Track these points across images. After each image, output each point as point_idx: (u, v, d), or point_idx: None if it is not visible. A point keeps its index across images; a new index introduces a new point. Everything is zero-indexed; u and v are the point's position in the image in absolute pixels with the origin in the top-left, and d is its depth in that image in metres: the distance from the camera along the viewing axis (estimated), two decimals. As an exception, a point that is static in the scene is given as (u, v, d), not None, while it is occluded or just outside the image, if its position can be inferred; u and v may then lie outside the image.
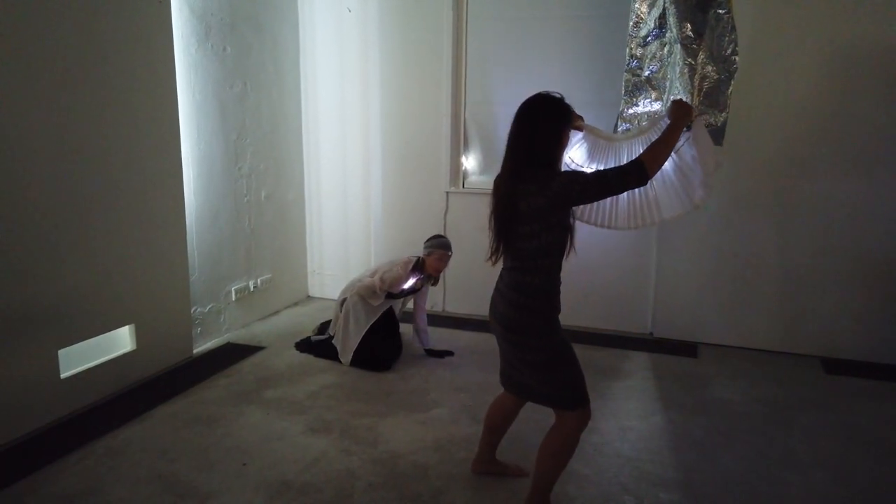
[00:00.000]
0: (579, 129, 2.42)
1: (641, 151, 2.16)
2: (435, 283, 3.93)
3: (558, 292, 2.14)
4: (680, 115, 2.11)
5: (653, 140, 2.19)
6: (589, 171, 2.43)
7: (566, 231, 2.07)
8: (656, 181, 2.27)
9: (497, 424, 2.51)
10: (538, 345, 2.11)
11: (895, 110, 3.69)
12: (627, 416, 3.13)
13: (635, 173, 1.97)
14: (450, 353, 3.94)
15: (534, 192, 1.99)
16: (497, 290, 2.23)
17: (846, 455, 2.81)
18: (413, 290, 3.84)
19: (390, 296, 3.78)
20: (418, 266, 3.75)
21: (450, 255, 3.79)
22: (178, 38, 3.63)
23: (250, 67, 4.32)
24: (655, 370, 3.77)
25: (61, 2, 2.84)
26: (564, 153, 2.32)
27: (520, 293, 2.09)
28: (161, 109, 3.44)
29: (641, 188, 2.16)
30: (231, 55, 4.12)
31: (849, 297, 3.94)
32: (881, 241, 3.83)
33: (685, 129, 2.15)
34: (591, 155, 2.45)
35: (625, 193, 2.29)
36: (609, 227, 2.40)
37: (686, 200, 2.24)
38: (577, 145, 2.47)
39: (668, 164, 2.22)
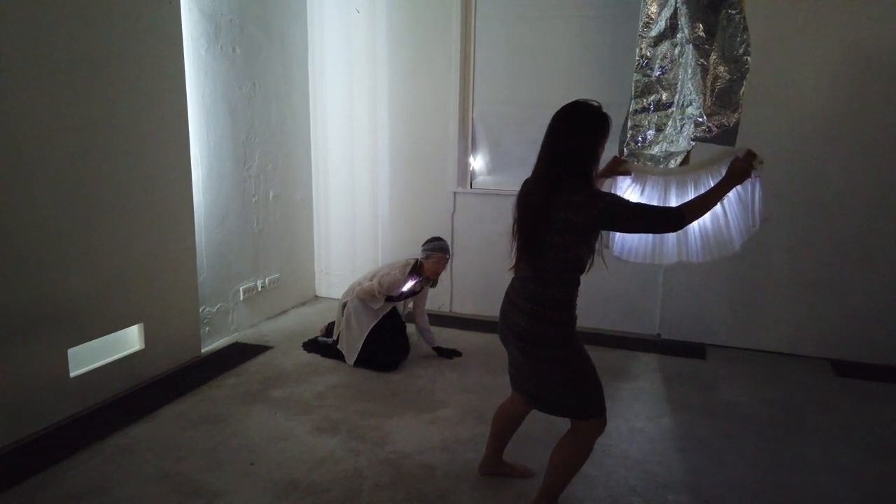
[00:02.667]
0: (627, 173, 2.37)
1: (710, 184, 2.18)
2: (433, 285, 3.92)
3: (576, 304, 2.11)
4: (736, 173, 2.08)
5: (721, 171, 2.18)
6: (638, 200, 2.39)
7: (592, 248, 2.06)
8: (724, 205, 2.25)
9: (504, 429, 2.50)
10: (557, 356, 2.07)
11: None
12: (635, 418, 3.12)
13: (673, 223, 2.00)
14: (458, 354, 3.94)
15: (573, 206, 1.95)
16: (509, 300, 2.18)
17: (855, 458, 2.79)
18: (412, 293, 3.84)
19: (390, 299, 3.78)
20: (416, 269, 3.74)
21: (448, 259, 3.78)
22: (187, 39, 3.65)
23: (259, 68, 4.33)
24: (663, 372, 3.76)
25: (70, 2, 2.86)
26: (611, 188, 2.34)
27: (538, 304, 2.05)
28: (170, 110, 3.46)
29: (711, 216, 2.20)
30: (240, 56, 4.13)
31: (859, 299, 3.91)
32: (891, 242, 3.81)
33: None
34: (647, 193, 2.39)
35: (695, 224, 2.24)
36: (686, 261, 2.37)
37: (748, 224, 2.25)
38: (630, 189, 2.41)
39: (731, 193, 2.20)
